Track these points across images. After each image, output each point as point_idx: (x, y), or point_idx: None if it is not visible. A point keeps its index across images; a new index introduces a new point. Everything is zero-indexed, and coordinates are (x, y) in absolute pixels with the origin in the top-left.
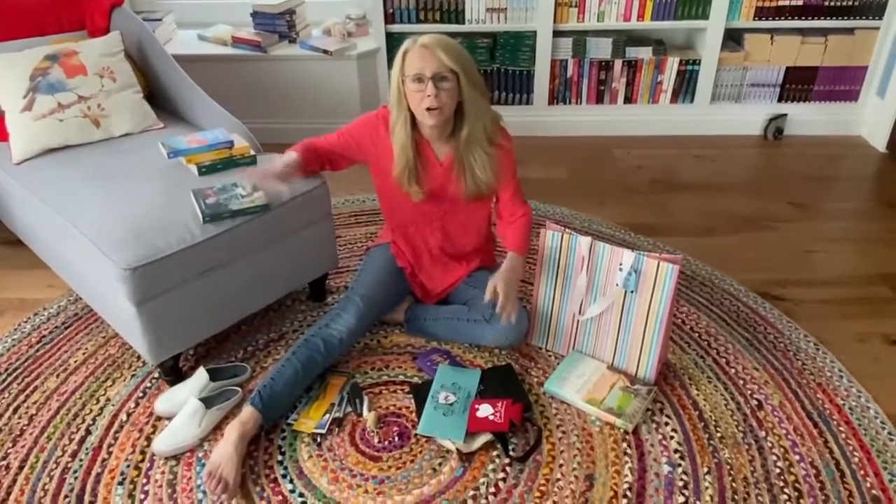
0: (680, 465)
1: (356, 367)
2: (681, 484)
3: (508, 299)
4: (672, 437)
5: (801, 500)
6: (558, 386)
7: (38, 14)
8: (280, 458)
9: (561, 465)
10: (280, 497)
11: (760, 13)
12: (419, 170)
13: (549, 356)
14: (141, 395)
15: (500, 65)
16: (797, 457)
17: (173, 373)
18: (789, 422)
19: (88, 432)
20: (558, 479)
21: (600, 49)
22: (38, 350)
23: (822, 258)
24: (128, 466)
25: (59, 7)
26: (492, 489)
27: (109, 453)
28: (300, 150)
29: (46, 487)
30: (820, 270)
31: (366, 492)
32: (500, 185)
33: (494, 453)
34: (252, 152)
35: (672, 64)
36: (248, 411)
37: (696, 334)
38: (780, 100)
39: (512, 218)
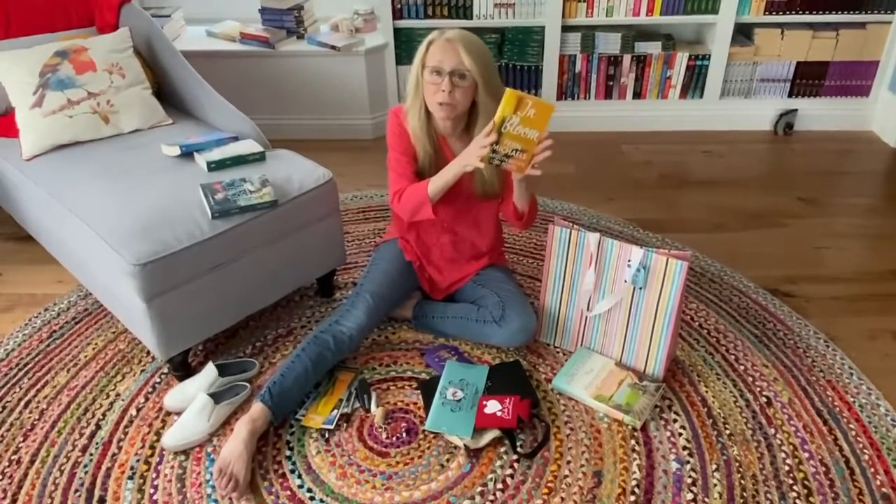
0: (688, 462)
1: (364, 363)
2: (689, 481)
3: None
4: (680, 434)
5: (811, 498)
6: (566, 382)
7: (47, 11)
8: (288, 453)
9: (569, 462)
10: (288, 492)
11: (770, 7)
12: (438, 164)
13: (557, 352)
14: (150, 390)
15: (508, 60)
16: (806, 454)
17: (182, 368)
18: (798, 419)
19: (98, 427)
20: (566, 476)
21: (609, 44)
22: (48, 345)
23: (832, 254)
24: (137, 461)
25: (68, 4)
26: (499, 485)
27: (119, 448)
28: (431, 205)
29: (57, 481)
30: (830, 267)
31: (374, 487)
32: (508, 190)
33: (502, 449)
34: (260, 148)
35: (681, 59)
36: (257, 408)
37: (705, 331)
38: (790, 95)
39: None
